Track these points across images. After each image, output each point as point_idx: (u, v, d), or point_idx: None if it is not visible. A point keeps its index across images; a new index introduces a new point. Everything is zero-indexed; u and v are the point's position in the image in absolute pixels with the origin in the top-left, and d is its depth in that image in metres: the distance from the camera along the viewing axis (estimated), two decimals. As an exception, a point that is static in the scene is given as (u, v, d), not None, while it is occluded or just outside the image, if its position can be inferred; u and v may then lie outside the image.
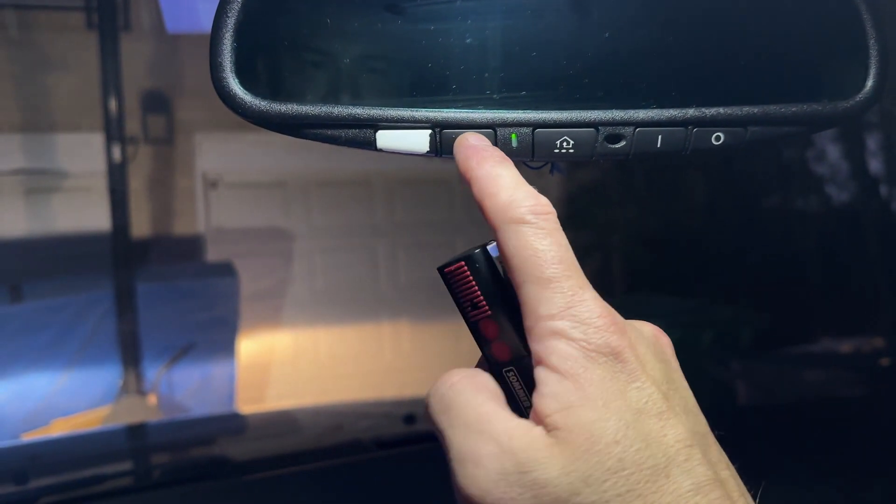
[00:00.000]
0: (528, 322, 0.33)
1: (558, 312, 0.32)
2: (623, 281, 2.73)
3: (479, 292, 0.35)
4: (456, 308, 0.37)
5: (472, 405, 0.33)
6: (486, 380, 0.34)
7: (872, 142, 2.12)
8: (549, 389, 0.31)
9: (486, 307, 0.35)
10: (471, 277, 0.35)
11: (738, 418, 1.26)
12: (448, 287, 0.37)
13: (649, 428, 0.31)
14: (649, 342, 0.34)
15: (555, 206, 0.35)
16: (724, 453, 0.34)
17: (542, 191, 0.36)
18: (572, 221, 2.57)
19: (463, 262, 0.36)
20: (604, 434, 0.30)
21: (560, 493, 0.29)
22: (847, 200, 2.18)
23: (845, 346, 1.82)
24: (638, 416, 0.31)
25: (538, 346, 0.32)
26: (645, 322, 0.36)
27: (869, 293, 1.85)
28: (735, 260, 2.15)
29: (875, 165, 2.11)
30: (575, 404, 0.31)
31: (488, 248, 0.36)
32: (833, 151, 2.19)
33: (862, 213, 2.11)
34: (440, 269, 0.36)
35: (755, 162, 2.21)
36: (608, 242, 2.71)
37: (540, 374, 0.32)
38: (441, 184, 2.87)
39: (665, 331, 0.36)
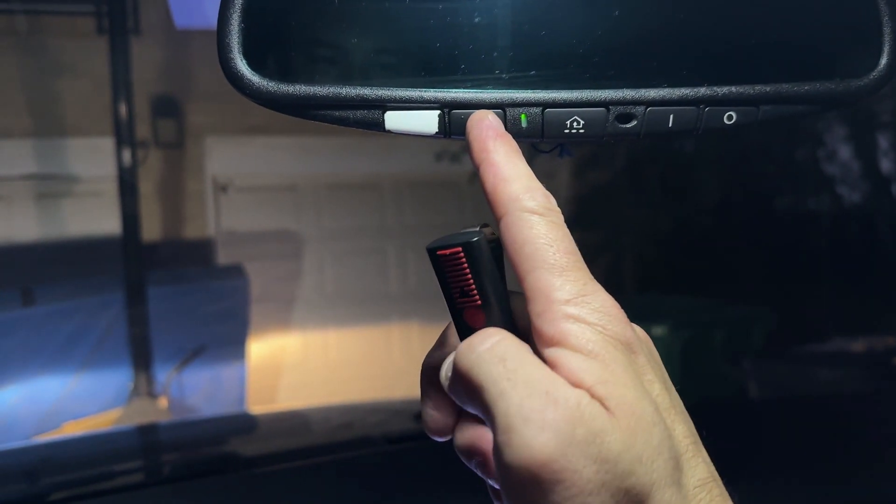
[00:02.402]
0: (539, 307, 0.32)
1: (573, 298, 0.31)
2: (635, 280, 2.73)
3: (472, 281, 0.34)
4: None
5: (531, 361, 0.31)
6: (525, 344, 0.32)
7: (884, 141, 2.11)
8: (577, 366, 0.30)
9: (477, 297, 0.34)
10: (465, 265, 0.33)
11: (750, 415, 1.26)
12: (436, 270, 0.34)
13: (664, 419, 0.31)
14: (644, 344, 0.34)
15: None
16: None
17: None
18: (584, 221, 2.56)
19: (460, 249, 0.33)
20: (645, 412, 0.30)
21: (619, 470, 0.28)
22: (859, 199, 2.17)
23: (858, 345, 1.81)
24: (655, 405, 0.31)
25: (552, 329, 0.31)
26: (634, 324, 0.35)
27: (881, 292, 1.84)
28: (747, 259, 2.14)
29: (887, 164, 2.10)
30: (609, 380, 0.30)
31: (481, 233, 0.34)
32: (845, 151, 2.18)
33: (874, 211, 2.10)
34: (431, 251, 0.34)
35: (768, 161, 2.20)
36: (620, 242, 2.70)
37: (557, 354, 0.31)
38: (450, 186, 2.87)
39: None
